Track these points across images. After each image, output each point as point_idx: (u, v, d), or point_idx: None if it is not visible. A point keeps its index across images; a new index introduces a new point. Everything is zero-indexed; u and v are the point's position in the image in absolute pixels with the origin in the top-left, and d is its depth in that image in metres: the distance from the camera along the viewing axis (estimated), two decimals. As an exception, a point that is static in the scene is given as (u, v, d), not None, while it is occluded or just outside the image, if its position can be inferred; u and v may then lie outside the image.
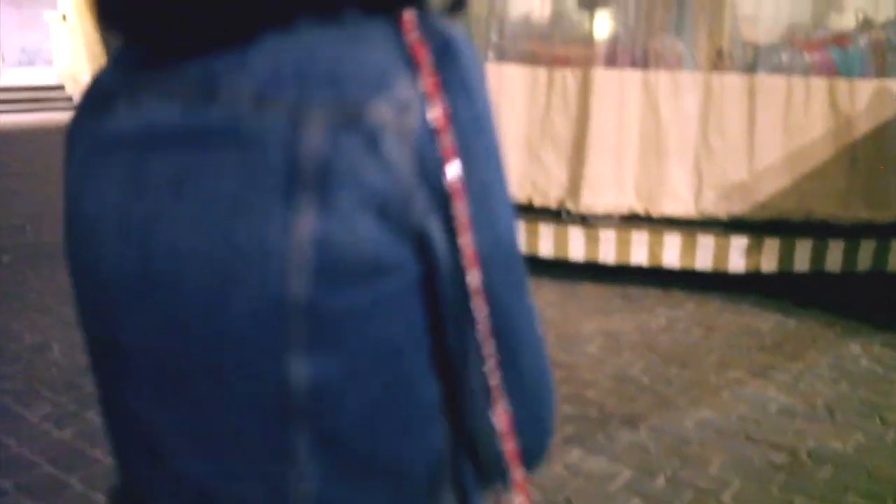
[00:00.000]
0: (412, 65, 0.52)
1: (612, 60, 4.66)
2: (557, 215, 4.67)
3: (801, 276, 4.53)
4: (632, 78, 4.56)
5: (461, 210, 0.52)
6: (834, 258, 4.50)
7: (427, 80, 0.52)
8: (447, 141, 0.52)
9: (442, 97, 0.52)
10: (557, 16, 5.16)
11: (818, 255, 4.49)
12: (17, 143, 10.61)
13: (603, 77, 4.56)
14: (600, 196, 4.58)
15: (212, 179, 0.52)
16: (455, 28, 0.56)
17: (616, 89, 4.54)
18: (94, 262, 0.58)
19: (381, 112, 0.50)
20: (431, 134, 0.51)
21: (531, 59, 4.79)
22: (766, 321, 4.19)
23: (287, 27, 0.52)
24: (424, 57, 0.52)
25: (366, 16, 0.54)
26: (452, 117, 0.52)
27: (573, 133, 4.62)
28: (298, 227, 0.50)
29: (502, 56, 4.87)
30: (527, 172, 4.68)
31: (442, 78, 0.52)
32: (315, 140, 0.50)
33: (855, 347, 3.88)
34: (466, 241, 0.53)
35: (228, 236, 0.51)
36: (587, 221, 4.61)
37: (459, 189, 0.52)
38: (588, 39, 4.91)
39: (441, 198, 0.52)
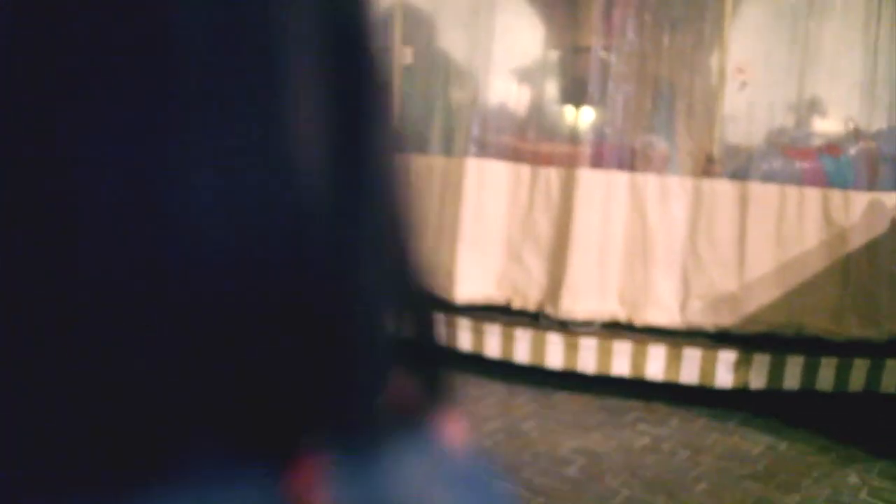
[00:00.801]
0: None
1: (597, 160, 4.49)
2: (536, 319, 4.43)
3: (791, 395, 4.31)
4: (618, 180, 4.39)
5: None
6: (826, 376, 4.29)
7: None
8: None
9: None
10: (538, 110, 5.02)
11: (809, 373, 4.28)
12: None
13: (588, 178, 4.38)
14: (582, 301, 4.36)
15: None
16: None
17: (602, 191, 4.36)
18: None
19: None
20: None
21: (513, 154, 4.62)
22: (756, 444, 3.93)
23: None
24: None
25: None
26: None
27: (556, 234, 4.43)
28: None
29: (483, 150, 4.69)
30: (506, 272, 4.47)
31: None
32: None
33: (853, 478, 3.62)
34: None
35: None
36: (567, 327, 4.37)
37: None
38: (572, 136, 4.76)
39: None
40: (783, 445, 3.93)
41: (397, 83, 4.47)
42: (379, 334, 0.46)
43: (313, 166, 0.41)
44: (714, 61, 4.56)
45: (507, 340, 4.41)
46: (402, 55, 4.68)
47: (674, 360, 4.28)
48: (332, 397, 0.42)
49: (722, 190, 4.34)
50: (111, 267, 0.36)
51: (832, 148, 4.55)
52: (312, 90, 0.42)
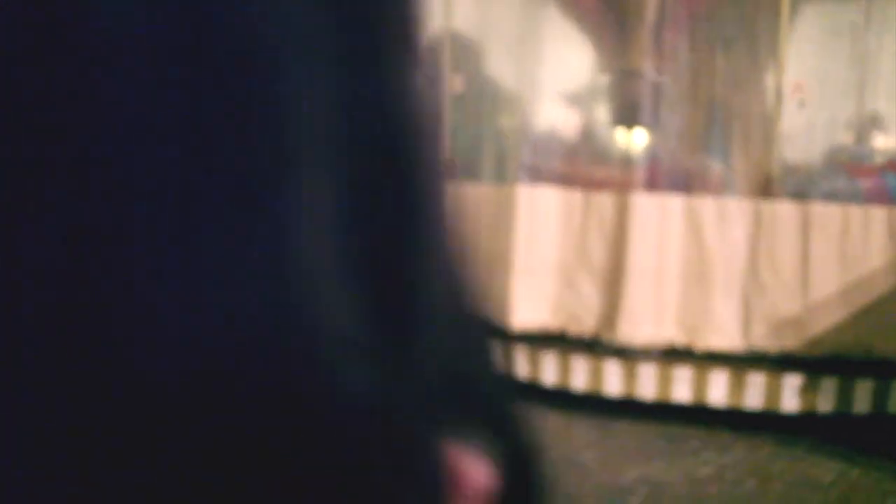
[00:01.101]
0: None
1: (651, 183, 4.44)
2: (592, 347, 4.37)
3: (861, 419, 4.17)
4: (673, 203, 4.32)
5: None
6: (896, 399, 4.16)
7: None
8: None
9: None
10: (589, 134, 4.99)
11: (880, 396, 4.16)
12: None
13: (643, 202, 4.33)
14: (639, 327, 4.29)
15: None
16: None
17: (657, 215, 4.31)
18: None
19: None
20: None
21: (565, 180, 4.59)
22: (826, 470, 3.80)
23: None
24: None
25: None
26: None
27: (610, 259, 4.37)
28: None
29: (535, 177, 4.66)
30: (560, 300, 4.42)
31: None
32: None
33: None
34: None
35: None
36: (625, 354, 4.30)
37: None
38: (625, 160, 4.71)
39: None
40: (855, 472, 3.79)
41: (447, 112, 4.48)
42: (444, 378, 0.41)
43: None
44: (770, 80, 4.49)
45: (564, 368, 4.36)
46: (452, 84, 4.69)
47: (737, 386, 4.18)
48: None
49: (782, 211, 4.26)
50: None
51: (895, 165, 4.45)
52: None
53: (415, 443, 0.38)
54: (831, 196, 4.32)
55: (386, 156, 0.39)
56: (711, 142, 4.61)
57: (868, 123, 4.66)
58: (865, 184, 4.40)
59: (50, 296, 0.30)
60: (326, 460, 0.34)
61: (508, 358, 0.48)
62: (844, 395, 4.15)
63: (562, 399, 4.40)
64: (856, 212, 4.23)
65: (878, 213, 4.22)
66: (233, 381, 0.32)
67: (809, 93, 4.44)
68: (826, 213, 4.24)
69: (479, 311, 0.47)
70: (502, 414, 0.46)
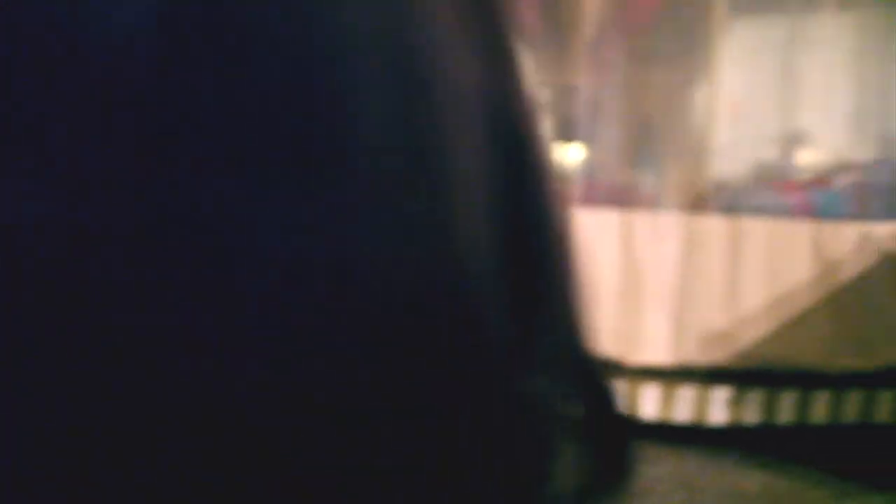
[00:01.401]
0: None
1: (585, 198, 4.49)
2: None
3: (786, 430, 4.30)
4: (607, 219, 4.38)
5: None
6: (819, 410, 4.31)
7: None
8: None
9: None
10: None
11: (803, 407, 4.29)
12: None
13: (578, 218, 4.36)
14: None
15: None
16: None
17: (591, 230, 4.35)
18: None
19: None
20: None
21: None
22: (752, 481, 3.91)
23: None
24: None
25: None
26: None
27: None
28: None
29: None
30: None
31: None
32: None
33: (852, 515, 3.61)
34: None
35: None
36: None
37: None
38: (561, 175, 4.75)
39: None
40: (781, 482, 3.91)
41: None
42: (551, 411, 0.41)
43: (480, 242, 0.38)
44: (703, 96, 4.58)
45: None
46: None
47: (667, 399, 4.27)
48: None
49: (712, 225, 4.34)
50: None
51: (821, 180, 4.58)
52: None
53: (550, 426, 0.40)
54: (760, 211, 4.43)
55: (520, 151, 0.41)
56: (645, 157, 4.68)
57: (794, 140, 4.79)
58: (792, 199, 4.52)
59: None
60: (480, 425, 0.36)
61: None
62: (770, 407, 4.27)
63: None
64: (783, 227, 4.34)
65: (804, 229, 4.34)
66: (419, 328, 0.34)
67: (742, 109, 4.54)
68: (754, 228, 4.33)
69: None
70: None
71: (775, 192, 4.52)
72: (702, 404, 4.25)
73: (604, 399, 0.47)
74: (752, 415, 4.27)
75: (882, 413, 4.34)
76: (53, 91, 0.27)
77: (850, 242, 4.31)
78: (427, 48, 0.36)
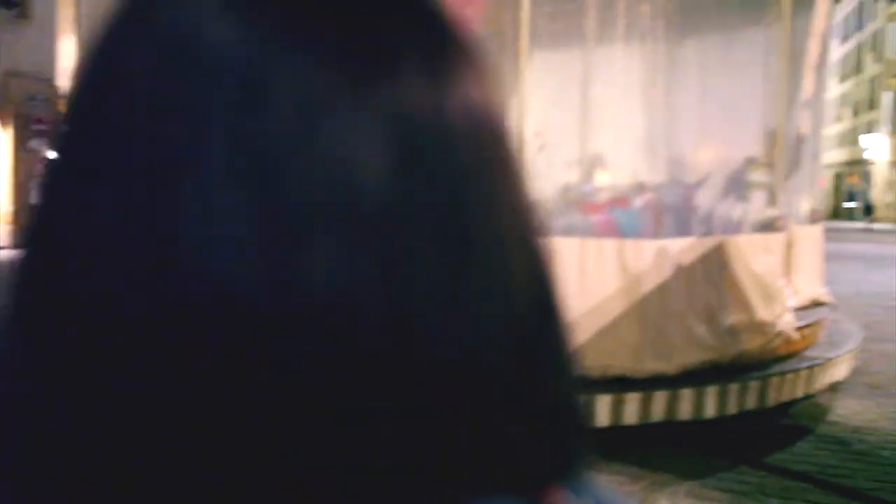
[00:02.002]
0: None
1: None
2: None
3: (601, 431, 4.57)
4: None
5: None
6: (631, 411, 4.60)
7: None
8: None
9: None
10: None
11: (616, 409, 4.57)
12: None
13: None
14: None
15: None
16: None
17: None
18: None
19: None
20: None
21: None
22: (575, 482, 4.14)
23: None
24: None
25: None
26: None
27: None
28: None
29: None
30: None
31: None
32: None
33: (663, 501, 3.93)
34: None
35: None
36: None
37: None
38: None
39: None
40: (599, 477, 4.16)
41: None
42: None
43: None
44: (513, 124, 4.82)
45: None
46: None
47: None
48: None
49: (527, 246, 4.56)
50: None
51: (620, 200, 4.93)
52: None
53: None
54: (569, 231, 4.72)
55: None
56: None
57: (594, 163, 5.15)
58: (595, 218, 4.84)
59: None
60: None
61: None
62: (587, 411, 4.52)
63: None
64: (591, 244, 4.65)
65: (609, 245, 4.67)
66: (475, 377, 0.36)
67: (547, 137, 4.83)
68: (565, 247, 4.62)
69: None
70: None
71: (582, 213, 4.83)
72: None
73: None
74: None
75: (684, 410, 4.70)
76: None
77: (650, 257, 4.68)
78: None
